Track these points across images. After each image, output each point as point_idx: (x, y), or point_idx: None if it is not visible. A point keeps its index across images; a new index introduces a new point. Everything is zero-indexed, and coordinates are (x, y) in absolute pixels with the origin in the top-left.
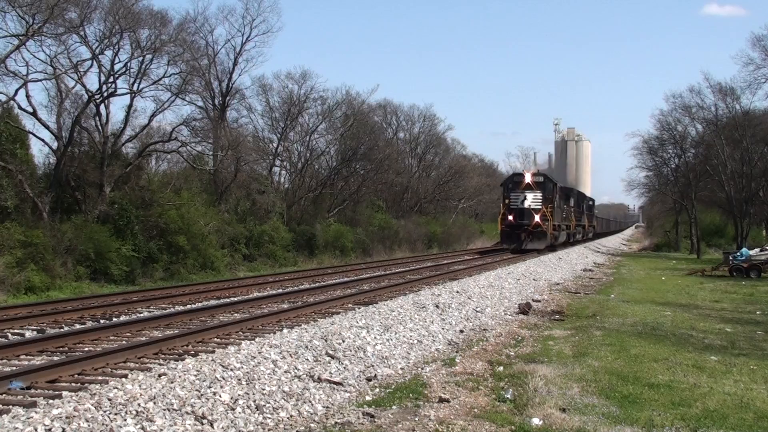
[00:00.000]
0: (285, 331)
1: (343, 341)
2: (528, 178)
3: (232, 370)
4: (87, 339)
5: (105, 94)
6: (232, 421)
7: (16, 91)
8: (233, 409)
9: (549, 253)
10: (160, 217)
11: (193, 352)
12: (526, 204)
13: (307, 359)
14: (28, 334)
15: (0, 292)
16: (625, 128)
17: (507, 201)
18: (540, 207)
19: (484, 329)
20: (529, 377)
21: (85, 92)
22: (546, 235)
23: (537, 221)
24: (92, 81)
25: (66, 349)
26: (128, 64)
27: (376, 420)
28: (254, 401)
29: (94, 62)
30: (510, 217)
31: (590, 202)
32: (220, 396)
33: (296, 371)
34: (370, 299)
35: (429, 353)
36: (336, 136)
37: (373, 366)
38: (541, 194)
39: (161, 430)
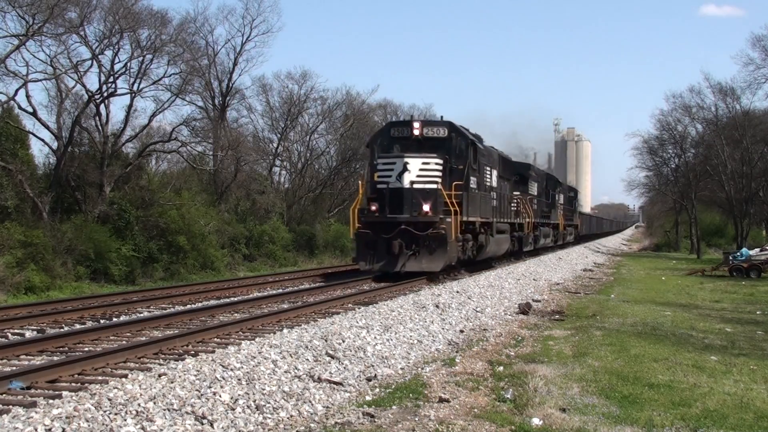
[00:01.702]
0: (285, 331)
1: (343, 341)
2: (417, 130)
3: (232, 370)
4: (87, 339)
5: (105, 94)
6: (232, 421)
7: (16, 91)
8: (233, 409)
9: (549, 253)
10: (160, 217)
11: (193, 352)
12: (407, 179)
13: (307, 359)
14: (28, 334)
15: (0, 292)
16: (625, 128)
17: (373, 175)
18: (435, 185)
19: (484, 329)
20: (529, 377)
21: (85, 92)
22: (445, 244)
23: (426, 213)
24: (92, 81)
25: (66, 349)
26: (128, 64)
27: (376, 420)
28: (254, 401)
29: (94, 62)
30: (373, 207)
31: (571, 194)
32: (220, 396)
33: (296, 371)
34: (370, 299)
35: (429, 353)
36: (336, 136)
37: (373, 366)
38: (440, 160)
39: (161, 430)
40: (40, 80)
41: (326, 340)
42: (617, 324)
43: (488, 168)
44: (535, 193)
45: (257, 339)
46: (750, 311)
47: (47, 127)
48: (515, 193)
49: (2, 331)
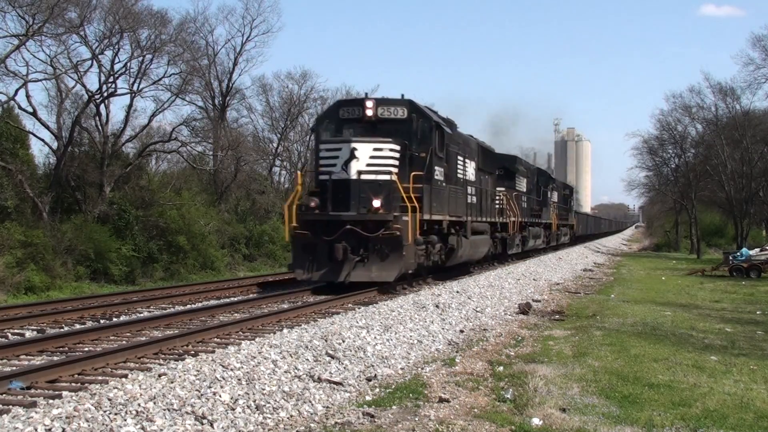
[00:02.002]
0: (285, 331)
1: (343, 341)
2: (370, 110)
3: (232, 370)
4: (87, 339)
5: (105, 94)
6: (232, 421)
7: (16, 91)
8: (233, 409)
9: (549, 253)
10: (160, 217)
11: (193, 352)
12: (354, 168)
13: (307, 359)
14: (28, 334)
15: (0, 292)
16: (625, 128)
17: (316, 163)
18: (389, 176)
19: (484, 329)
20: (529, 377)
21: (85, 92)
22: (400, 247)
23: (377, 209)
24: (92, 81)
25: (66, 349)
26: (128, 64)
27: (376, 420)
28: (254, 401)
29: (94, 62)
30: (312, 203)
31: (566, 191)
32: (220, 396)
33: (296, 371)
34: (370, 299)
35: (429, 353)
36: None
37: (373, 366)
38: (397, 146)
39: (161, 430)
40: (40, 80)
41: (326, 340)
42: (617, 324)
43: (462, 158)
44: (524, 190)
45: (257, 339)
46: (750, 311)
47: (47, 127)
48: (499, 188)
49: (2, 331)
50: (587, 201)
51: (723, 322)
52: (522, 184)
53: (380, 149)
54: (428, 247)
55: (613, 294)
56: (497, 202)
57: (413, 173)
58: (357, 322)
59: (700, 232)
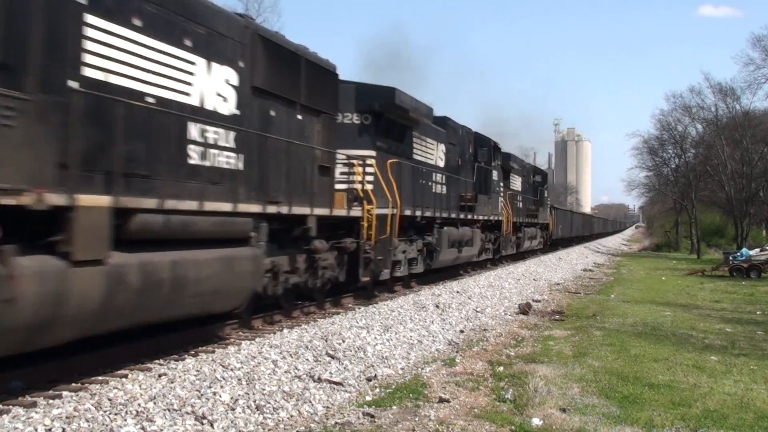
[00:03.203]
0: (285, 331)
1: (343, 341)
2: None
3: (232, 370)
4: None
5: None
6: (232, 421)
7: None
8: (233, 409)
9: (549, 254)
10: None
11: (193, 352)
12: None
13: (307, 359)
14: None
15: None
16: (625, 128)
17: None
18: None
19: (484, 329)
20: (530, 377)
21: None
22: None
23: None
24: None
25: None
26: None
27: (376, 420)
28: (254, 401)
29: None
30: None
31: (537, 178)
32: (220, 396)
33: (296, 371)
34: (370, 300)
35: (429, 353)
36: None
37: (373, 366)
38: None
39: (161, 430)
40: None
41: (326, 340)
42: (617, 324)
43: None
44: (438, 163)
45: (257, 339)
46: (750, 311)
47: None
48: (360, 152)
49: None
50: (587, 201)
51: (723, 322)
52: (434, 152)
53: None
54: None
55: (613, 294)
56: (348, 176)
57: None
58: (357, 322)
59: (700, 232)
